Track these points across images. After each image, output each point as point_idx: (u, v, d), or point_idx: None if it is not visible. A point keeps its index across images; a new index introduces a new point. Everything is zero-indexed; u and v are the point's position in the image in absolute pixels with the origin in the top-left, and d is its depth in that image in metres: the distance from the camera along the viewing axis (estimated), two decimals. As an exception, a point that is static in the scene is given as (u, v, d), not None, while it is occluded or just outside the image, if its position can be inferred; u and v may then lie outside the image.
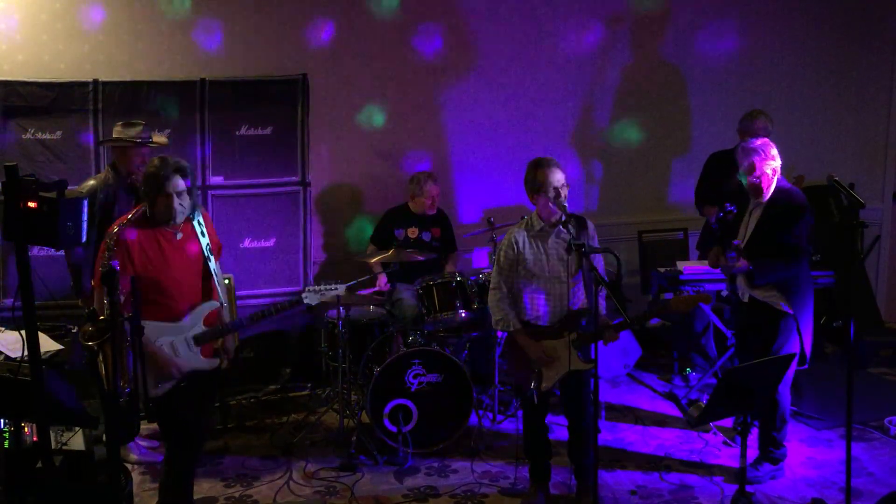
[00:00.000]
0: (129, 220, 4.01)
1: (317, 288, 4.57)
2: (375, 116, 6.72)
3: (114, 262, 3.69)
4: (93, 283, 4.84)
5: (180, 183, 3.95)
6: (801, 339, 4.74)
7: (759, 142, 4.83)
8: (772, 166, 4.76)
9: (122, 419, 3.51)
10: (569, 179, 4.55)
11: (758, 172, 4.74)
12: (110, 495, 3.71)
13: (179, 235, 4.05)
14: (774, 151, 4.79)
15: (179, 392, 4.05)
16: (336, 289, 4.61)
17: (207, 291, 4.17)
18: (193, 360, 4.08)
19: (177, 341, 4.03)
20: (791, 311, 4.74)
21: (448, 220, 6.43)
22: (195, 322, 4.09)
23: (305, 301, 4.52)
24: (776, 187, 4.80)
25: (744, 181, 4.83)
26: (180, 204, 3.96)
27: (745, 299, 4.91)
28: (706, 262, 5.27)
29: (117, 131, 5.11)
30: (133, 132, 5.06)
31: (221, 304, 4.22)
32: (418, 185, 6.20)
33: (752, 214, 4.89)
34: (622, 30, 7.17)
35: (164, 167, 3.94)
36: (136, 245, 3.92)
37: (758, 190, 4.78)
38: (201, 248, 4.10)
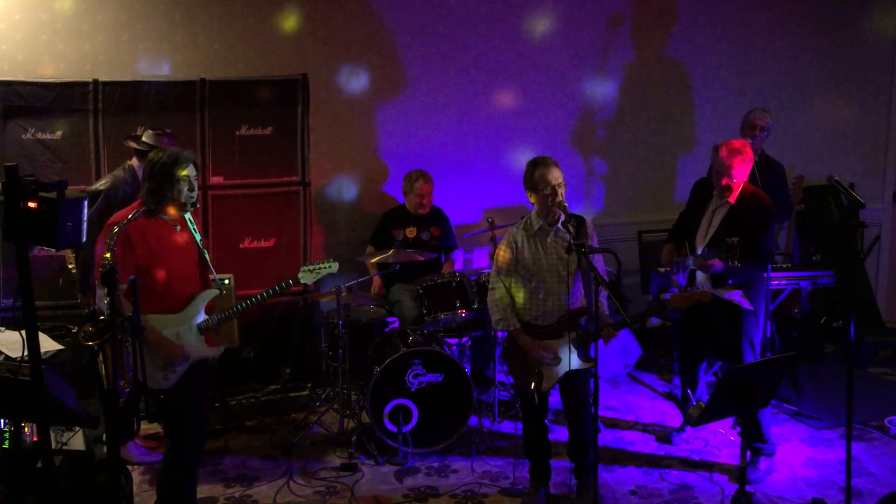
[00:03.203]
0: (129, 213, 4.03)
1: (311, 267, 4.68)
2: (375, 116, 6.73)
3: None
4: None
5: (193, 170, 4.06)
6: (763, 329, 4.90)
7: (738, 143, 4.88)
8: (747, 169, 4.85)
9: (122, 419, 3.52)
10: (570, 179, 4.54)
11: (734, 173, 4.81)
12: (110, 495, 3.71)
13: (178, 228, 4.13)
14: (751, 154, 4.88)
15: (186, 389, 4.09)
16: (330, 266, 4.73)
17: (205, 281, 4.27)
18: (200, 347, 4.15)
19: (182, 330, 4.09)
20: (752, 308, 4.84)
21: (447, 220, 6.43)
22: (197, 310, 4.16)
23: (302, 281, 4.64)
24: (742, 188, 4.90)
25: (717, 180, 4.89)
26: (192, 191, 4.05)
27: None
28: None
29: (149, 136, 5.14)
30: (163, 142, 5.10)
31: (221, 292, 4.30)
32: (410, 183, 6.24)
33: (717, 213, 4.95)
34: (624, 27, 7.17)
35: (177, 154, 4.04)
36: (139, 236, 3.99)
37: (729, 190, 4.86)
38: (196, 240, 4.20)
